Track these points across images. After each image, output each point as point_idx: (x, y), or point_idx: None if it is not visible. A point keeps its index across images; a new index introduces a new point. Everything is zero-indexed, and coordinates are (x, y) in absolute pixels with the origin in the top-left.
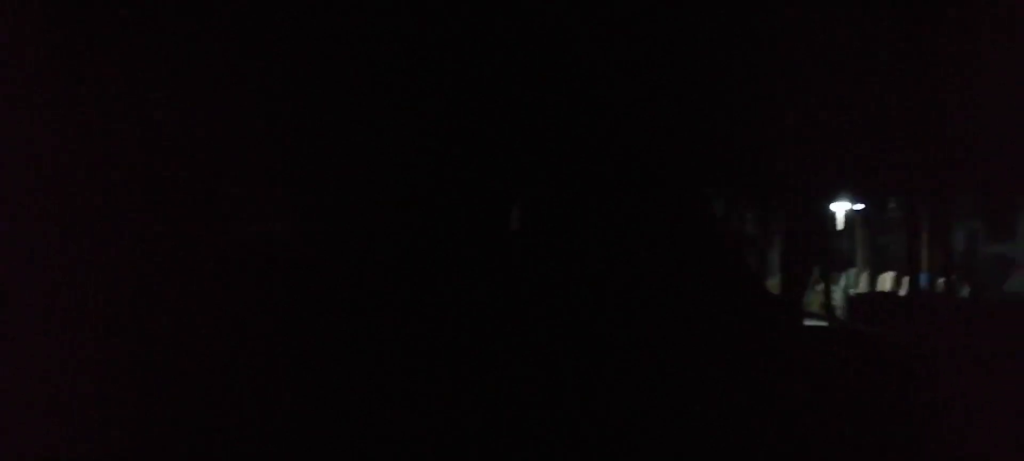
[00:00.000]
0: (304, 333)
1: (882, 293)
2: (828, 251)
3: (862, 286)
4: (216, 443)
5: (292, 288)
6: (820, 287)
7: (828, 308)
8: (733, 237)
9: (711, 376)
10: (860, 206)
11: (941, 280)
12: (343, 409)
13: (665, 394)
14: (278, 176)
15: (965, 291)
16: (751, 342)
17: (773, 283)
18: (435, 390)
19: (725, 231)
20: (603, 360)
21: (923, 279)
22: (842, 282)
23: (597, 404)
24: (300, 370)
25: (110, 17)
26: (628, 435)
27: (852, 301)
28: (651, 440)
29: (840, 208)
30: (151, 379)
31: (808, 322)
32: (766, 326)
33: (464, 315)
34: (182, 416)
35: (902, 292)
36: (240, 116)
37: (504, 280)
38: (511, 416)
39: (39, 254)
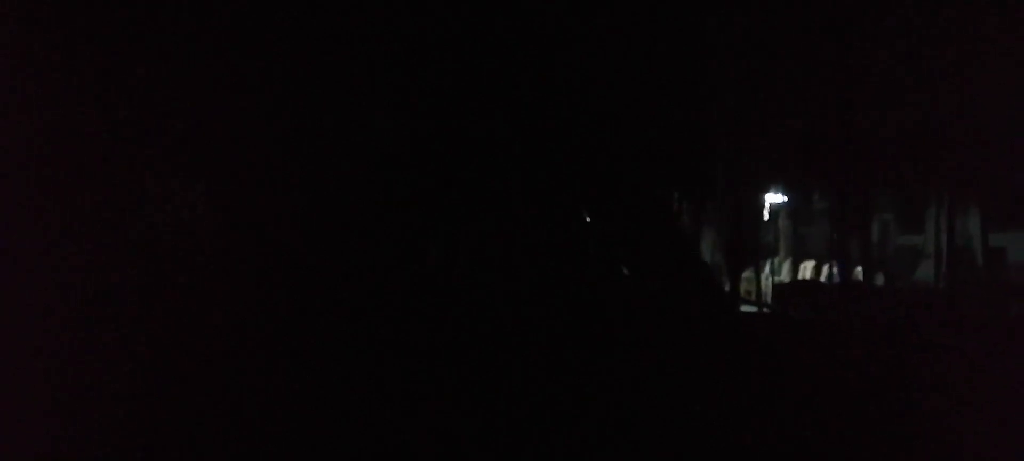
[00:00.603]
0: (286, 330)
1: (804, 281)
2: (757, 241)
3: (784, 274)
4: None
5: (272, 285)
6: (748, 275)
7: (757, 295)
8: (683, 228)
9: (681, 367)
10: (782, 199)
11: (858, 269)
12: (322, 408)
13: (636, 386)
14: (257, 169)
15: (880, 279)
16: (704, 330)
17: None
18: (406, 391)
19: (678, 222)
20: (570, 356)
21: (839, 268)
22: (766, 270)
23: (562, 399)
24: (284, 368)
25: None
26: (594, 428)
27: (777, 289)
28: (618, 432)
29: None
30: (133, 378)
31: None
32: (716, 314)
33: (422, 316)
34: (164, 416)
35: (822, 280)
36: (223, 110)
37: (462, 281)
38: (477, 415)
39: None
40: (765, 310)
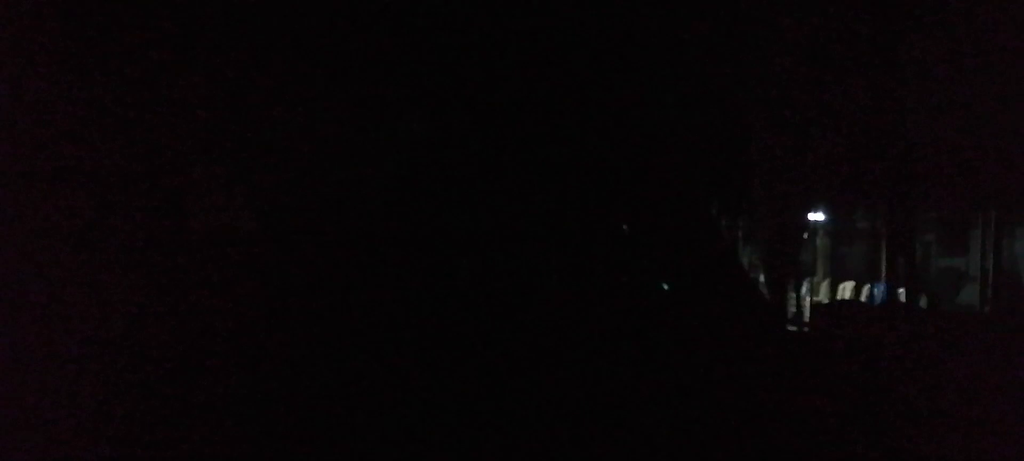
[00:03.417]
0: (274, 329)
1: (843, 301)
2: (797, 260)
3: (822, 295)
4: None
5: (261, 284)
6: (790, 294)
7: (798, 314)
8: (728, 242)
9: (717, 379)
10: (821, 217)
11: (900, 291)
12: (310, 407)
13: (679, 399)
14: (244, 166)
15: (922, 301)
16: (751, 345)
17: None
18: (437, 402)
19: (723, 236)
20: (610, 368)
21: (880, 289)
22: (804, 289)
23: (602, 412)
24: (269, 367)
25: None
26: (629, 436)
27: (815, 309)
28: (652, 442)
29: (807, 218)
30: (157, 376)
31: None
32: (763, 330)
33: (450, 314)
34: (185, 415)
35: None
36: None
37: (499, 293)
38: (513, 428)
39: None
40: (805, 330)
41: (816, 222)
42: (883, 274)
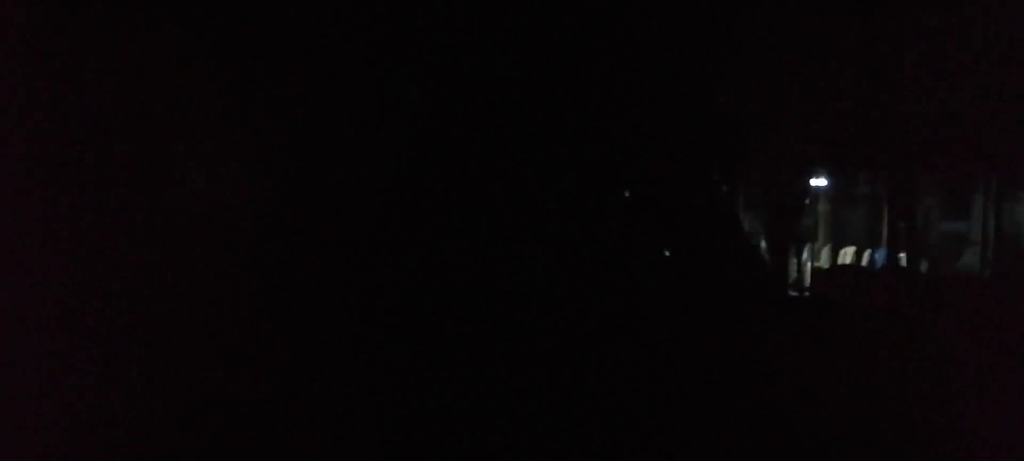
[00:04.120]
0: (301, 329)
1: (845, 266)
2: (798, 225)
3: (824, 260)
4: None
5: (292, 281)
6: (792, 259)
7: (799, 279)
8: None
9: (727, 347)
10: (823, 183)
11: (902, 256)
12: (339, 405)
13: (681, 367)
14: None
15: (924, 266)
16: (751, 311)
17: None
18: (432, 382)
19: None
20: (612, 337)
21: (881, 255)
22: (805, 255)
23: (605, 380)
24: (298, 368)
25: None
26: (637, 409)
27: (816, 274)
28: (653, 407)
29: (808, 184)
30: (138, 375)
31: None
32: (763, 295)
33: (455, 294)
34: (168, 413)
35: (863, 265)
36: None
37: (499, 260)
38: (515, 399)
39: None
40: (805, 295)
41: (817, 187)
42: (884, 239)
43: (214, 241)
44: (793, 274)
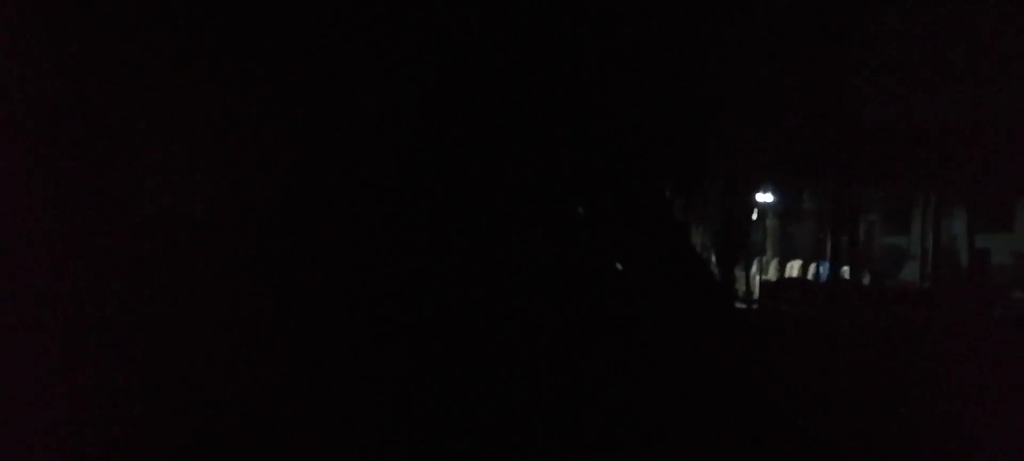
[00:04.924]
0: (289, 329)
1: (792, 279)
2: (747, 239)
3: (771, 273)
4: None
5: (275, 282)
6: (738, 273)
7: (747, 292)
8: (680, 223)
9: (678, 360)
10: (770, 198)
11: (845, 269)
12: (323, 406)
13: (632, 379)
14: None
15: (866, 278)
16: (700, 324)
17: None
18: (401, 387)
19: (675, 217)
20: (565, 350)
21: (826, 267)
22: (754, 268)
23: (558, 394)
24: (287, 366)
25: None
26: (591, 423)
27: (764, 286)
28: (615, 427)
29: (755, 199)
30: (132, 374)
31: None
32: (712, 308)
33: (416, 312)
34: (162, 413)
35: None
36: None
37: (456, 276)
38: (474, 412)
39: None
40: (754, 306)
41: (765, 203)
42: (829, 252)
43: (212, 241)
44: (742, 286)
